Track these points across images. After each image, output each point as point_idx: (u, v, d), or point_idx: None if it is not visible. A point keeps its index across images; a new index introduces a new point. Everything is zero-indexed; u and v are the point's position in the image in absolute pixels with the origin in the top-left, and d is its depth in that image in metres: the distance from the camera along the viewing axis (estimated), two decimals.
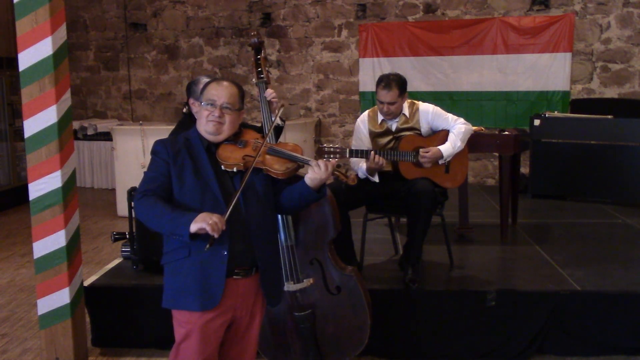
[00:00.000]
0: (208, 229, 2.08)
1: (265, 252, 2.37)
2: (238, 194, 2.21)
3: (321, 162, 2.34)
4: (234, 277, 2.27)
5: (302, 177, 2.39)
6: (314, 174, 2.34)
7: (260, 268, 2.35)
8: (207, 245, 2.12)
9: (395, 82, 3.61)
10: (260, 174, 2.36)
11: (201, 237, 2.13)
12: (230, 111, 2.34)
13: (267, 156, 2.37)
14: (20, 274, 5.08)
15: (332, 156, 3.30)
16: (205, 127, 2.34)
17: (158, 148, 2.34)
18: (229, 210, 2.17)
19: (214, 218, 2.10)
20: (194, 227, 2.10)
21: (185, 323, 2.27)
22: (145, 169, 2.37)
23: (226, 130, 2.35)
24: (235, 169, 2.31)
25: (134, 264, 3.89)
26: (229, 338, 2.39)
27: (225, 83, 2.39)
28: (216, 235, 2.10)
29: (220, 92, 2.34)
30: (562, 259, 4.08)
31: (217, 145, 2.36)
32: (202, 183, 2.28)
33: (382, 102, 3.63)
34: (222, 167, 2.32)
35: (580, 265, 3.97)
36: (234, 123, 2.36)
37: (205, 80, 3.20)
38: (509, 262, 4.22)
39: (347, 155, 3.40)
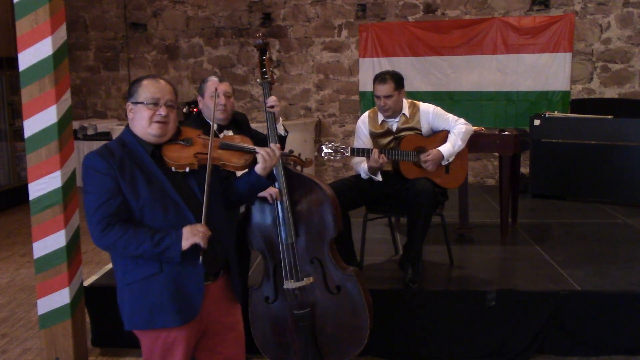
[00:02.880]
0: (201, 242, 2.02)
1: (230, 250, 2.32)
2: (207, 195, 2.11)
3: (269, 150, 2.25)
4: (206, 283, 2.17)
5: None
6: (265, 162, 2.24)
7: (231, 267, 2.30)
8: (201, 258, 2.05)
9: (390, 76, 3.64)
10: (210, 170, 2.21)
11: (187, 252, 2.05)
12: (173, 109, 2.18)
13: (220, 151, 2.25)
14: (20, 274, 5.08)
15: (333, 155, 3.31)
16: (149, 129, 2.13)
17: (97, 163, 2.09)
18: (204, 213, 2.08)
19: (200, 228, 2.04)
20: (186, 244, 2.02)
21: (163, 342, 2.14)
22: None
23: (170, 130, 2.18)
24: (187, 169, 2.17)
25: None
26: (209, 345, 2.30)
27: (162, 80, 2.22)
28: (205, 246, 2.04)
29: (162, 89, 2.17)
30: (562, 259, 4.08)
31: (160, 147, 2.18)
32: (158, 192, 2.10)
33: (378, 97, 3.65)
34: (173, 169, 2.15)
35: (580, 265, 3.97)
36: (175, 122, 2.21)
37: (214, 79, 3.24)
38: (509, 262, 4.22)
39: (349, 154, 3.41)
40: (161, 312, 2.10)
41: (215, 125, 3.21)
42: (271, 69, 3.10)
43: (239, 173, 2.38)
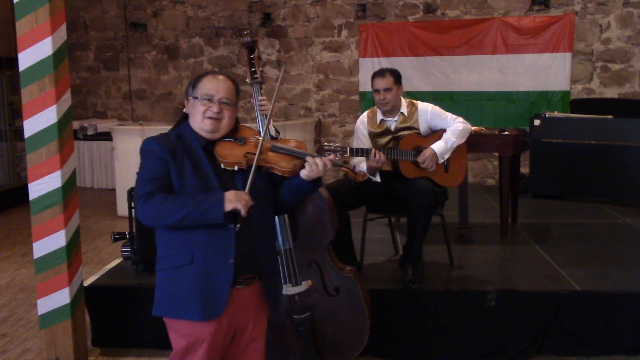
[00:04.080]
0: (243, 209, 2.00)
1: (268, 257, 2.28)
2: (248, 192, 2.09)
3: (319, 161, 2.23)
4: (237, 286, 2.14)
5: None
6: (312, 171, 2.22)
7: (265, 274, 2.25)
8: (238, 225, 2.03)
9: (389, 71, 3.69)
10: (260, 173, 2.21)
11: (228, 218, 2.03)
12: (229, 107, 2.20)
13: (271, 153, 2.25)
14: (20, 274, 5.08)
15: (333, 154, 3.30)
16: (202, 124, 2.18)
17: (152, 146, 2.15)
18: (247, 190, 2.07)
19: (244, 196, 2.03)
20: (229, 206, 2.00)
21: (188, 335, 2.13)
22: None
23: (224, 127, 2.21)
24: (236, 168, 2.17)
25: (134, 264, 3.89)
26: (232, 353, 2.26)
27: (221, 77, 2.24)
28: (245, 214, 2.02)
29: (218, 86, 2.19)
30: (562, 259, 4.08)
31: (214, 143, 2.21)
32: (203, 183, 2.12)
33: (378, 91, 3.65)
34: (222, 165, 2.17)
35: (580, 265, 3.96)
36: (231, 119, 2.23)
37: None
38: (509, 262, 4.22)
39: (348, 154, 3.41)
40: (185, 304, 2.10)
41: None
42: (260, 68, 3.02)
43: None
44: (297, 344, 2.95)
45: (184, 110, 2.29)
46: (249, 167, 2.16)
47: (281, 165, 2.24)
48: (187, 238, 2.10)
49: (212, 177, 2.15)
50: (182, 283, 2.10)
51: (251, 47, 3.00)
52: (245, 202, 2.02)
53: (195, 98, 2.20)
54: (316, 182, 2.29)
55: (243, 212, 2.02)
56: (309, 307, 2.91)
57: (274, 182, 2.32)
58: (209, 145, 2.20)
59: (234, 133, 2.27)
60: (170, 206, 2.04)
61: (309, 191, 2.34)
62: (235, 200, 2.02)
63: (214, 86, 2.19)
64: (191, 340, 2.13)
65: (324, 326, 2.94)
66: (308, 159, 2.24)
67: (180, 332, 2.15)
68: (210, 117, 2.17)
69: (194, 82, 2.25)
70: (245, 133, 2.29)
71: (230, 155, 2.19)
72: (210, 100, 2.18)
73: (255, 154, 2.17)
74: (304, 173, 2.24)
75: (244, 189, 2.11)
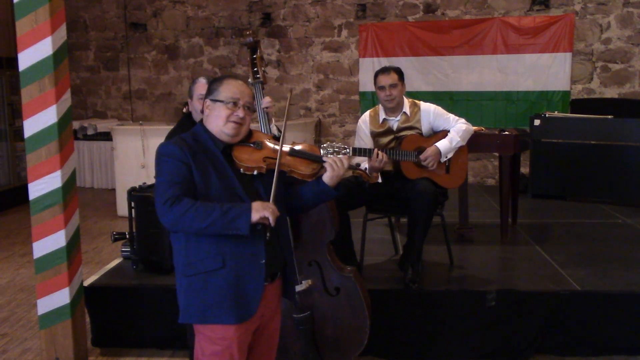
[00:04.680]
0: (271, 218, 2.01)
1: (289, 252, 2.35)
2: (273, 196, 2.10)
3: (337, 159, 2.26)
4: (264, 283, 2.17)
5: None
6: (334, 172, 2.24)
7: (287, 271, 2.32)
8: (268, 234, 2.05)
9: (393, 68, 3.73)
10: (281, 178, 2.24)
11: (253, 229, 2.03)
12: (250, 111, 2.21)
13: (289, 157, 2.26)
14: (20, 274, 5.08)
15: (334, 154, 3.29)
16: (224, 128, 2.16)
17: (173, 150, 2.10)
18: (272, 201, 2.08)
19: (271, 205, 2.04)
20: (256, 216, 2.00)
21: (220, 340, 2.11)
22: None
23: (244, 132, 2.21)
24: (256, 172, 2.18)
25: (134, 264, 3.89)
26: (255, 345, 2.28)
27: (241, 82, 2.23)
28: (273, 224, 2.03)
29: (243, 91, 2.19)
30: (562, 259, 4.08)
31: (231, 147, 2.21)
32: (228, 188, 2.12)
33: (383, 87, 3.66)
34: (242, 170, 2.16)
35: (580, 265, 3.96)
36: (249, 124, 2.24)
37: (202, 80, 3.21)
38: (509, 262, 4.22)
39: (350, 154, 3.40)
40: (217, 308, 2.08)
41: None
42: (262, 68, 3.04)
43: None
44: (297, 344, 2.96)
45: (185, 110, 2.27)
46: (269, 171, 2.19)
47: (300, 169, 2.26)
48: (218, 241, 2.08)
49: (235, 181, 2.14)
50: (214, 287, 2.08)
51: (253, 48, 3.03)
52: (273, 212, 2.03)
53: (217, 101, 2.18)
54: (338, 187, 2.31)
55: (272, 222, 2.03)
56: (309, 307, 2.92)
57: (286, 183, 2.34)
58: (226, 150, 2.19)
59: (249, 137, 2.27)
60: (195, 213, 2.00)
61: (331, 196, 2.34)
62: (261, 209, 2.02)
63: (239, 90, 2.19)
64: (225, 344, 2.11)
65: (324, 326, 2.95)
66: (327, 159, 2.26)
67: (211, 336, 2.12)
68: (234, 122, 2.16)
69: (213, 85, 2.23)
70: (260, 137, 2.29)
71: (249, 159, 2.19)
72: (235, 104, 2.17)
73: (274, 158, 2.19)
74: (327, 176, 2.25)
75: (265, 193, 2.14)
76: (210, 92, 2.22)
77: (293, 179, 2.30)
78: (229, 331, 2.10)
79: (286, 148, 2.27)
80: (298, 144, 2.36)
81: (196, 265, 2.10)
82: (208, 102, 2.22)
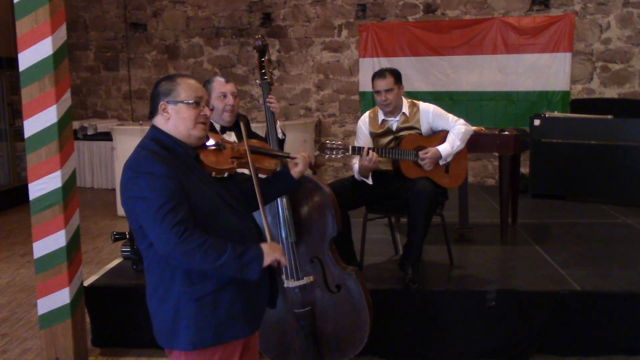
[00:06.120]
0: (282, 260, 1.99)
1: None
2: (259, 196, 2.09)
3: (305, 154, 2.33)
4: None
5: None
6: (301, 167, 2.32)
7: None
8: (283, 276, 2.07)
9: (389, 71, 3.69)
10: (235, 176, 2.19)
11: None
12: (210, 110, 2.10)
13: (253, 155, 2.21)
14: (20, 274, 5.08)
15: (334, 152, 3.31)
16: (194, 130, 1.99)
17: (155, 167, 1.87)
18: (267, 226, 2.06)
19: (277, 245, 2.02)
20: (268, 260, 1.96)
21: (229, 356, 2.02)
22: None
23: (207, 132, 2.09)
24: (226, 174, 2.09)
25: (134, 264, 3.89)
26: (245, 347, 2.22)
27: (194, 79, 2.07)
28: (285, 263, 2.04)
29: (199, 87, 2.05)
30: (562, 259, 4.08)
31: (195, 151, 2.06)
32: (218, 196, 2.01)
33: (379, 92, 3.65)
34: (213, 174, 2.04)
35: (580, 265, 3.96)
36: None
37: (220, 79, 3.25)
38: (509, 262, 4.22)
39: (350, 153, 3.41)
40: (232, 324, 1.99)
41: (218, 127, 3.23)
42: (270, 70, 3.12)
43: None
44: (298, 340, 2.96)
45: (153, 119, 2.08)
46: (240, 171, 2.20)
47: (265, 164, 2.28)
48: None
49: (221, 190, 2.04)
50: (224, 303, 1.98)
51: (262, 50, 3.10)
52: (281, 250, 2.02)
53: (179, 102, 2.00)
54: (300, 180, 2.39)
55: (284, 262, 2.03)
56: (310, 302, 2.93)
57: (234, 181, 2.26)
58: (197, 155, 2.04)
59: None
60: (208, 250, 1.87)
61: (293, 188, 2.42)
62: (272, 252, 1.99)
63: (198, 87, 2.04)
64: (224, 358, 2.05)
65: (325, 323, 2.95)
66: (298, 155, 2.33)
67: (222, 356, 2.01)
68: (203, 122, 2.02)
69: (166, 86, 2.02)
70: (214, 137, 2.15)
71: (219, 162, 2.07)
72: (198, 103, 2.01)
73: (239, 157, 2.15)
74: (297, 171, 2.33)
75: (230, 195, 2.08)
76: (165, 93, 2.01)
77: (241, 176, 2.33)
78: (237, 345, 2.04)
79: (245, 147, 2.21)
80: (249, 141, 2.30)
81: (204, 284, 1.96)
82: (166, 105, 2.00)
